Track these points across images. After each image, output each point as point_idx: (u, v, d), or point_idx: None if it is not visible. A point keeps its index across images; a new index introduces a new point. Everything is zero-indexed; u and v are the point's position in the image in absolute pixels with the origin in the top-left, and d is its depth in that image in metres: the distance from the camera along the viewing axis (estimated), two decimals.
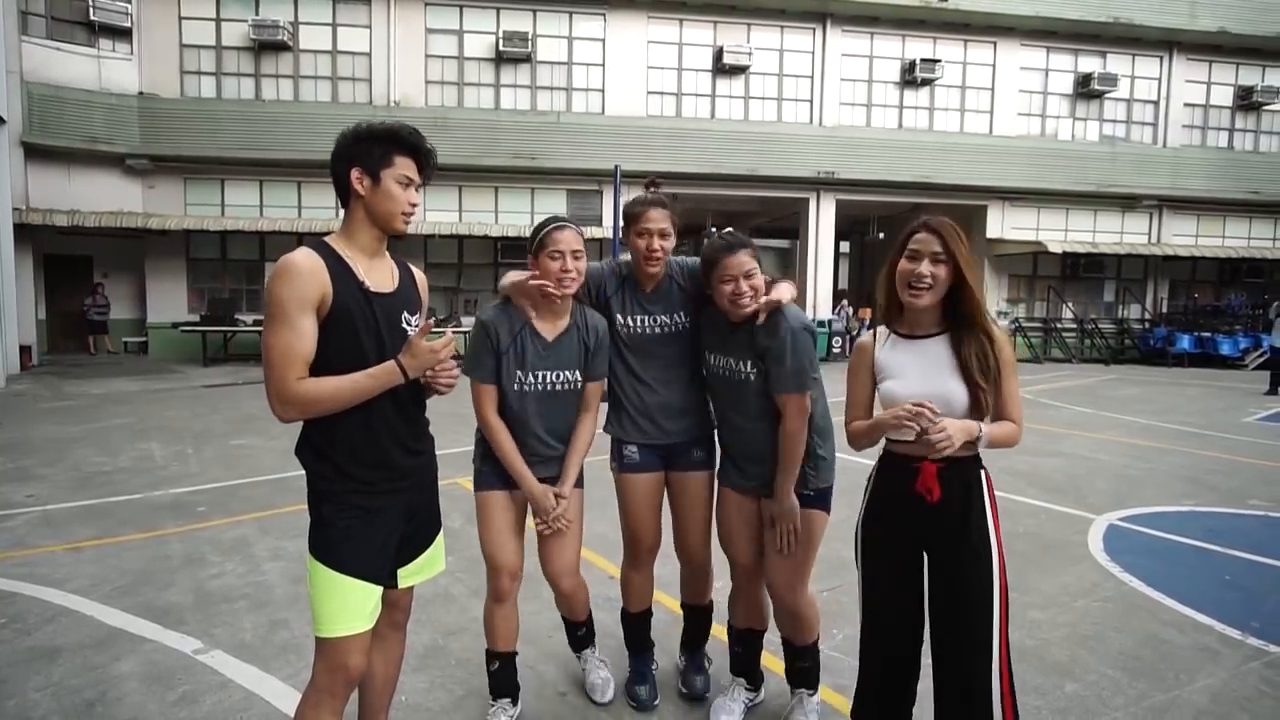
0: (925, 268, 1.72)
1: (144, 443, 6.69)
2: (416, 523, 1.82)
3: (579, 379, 2.21)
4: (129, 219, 13.72)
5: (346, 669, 1.63)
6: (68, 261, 14.84)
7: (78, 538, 4.08)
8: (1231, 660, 2.83)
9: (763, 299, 2.05)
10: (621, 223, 2.39)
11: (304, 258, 1.59)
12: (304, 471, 1.71)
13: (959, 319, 1.77)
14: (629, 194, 16.56)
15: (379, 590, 1.69)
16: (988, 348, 1.74)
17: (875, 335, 1.91)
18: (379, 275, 1.72)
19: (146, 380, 11.46)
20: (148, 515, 4.52)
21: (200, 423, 7.76)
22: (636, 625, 2.52)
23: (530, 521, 2.25)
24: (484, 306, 2.18)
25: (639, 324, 2.33)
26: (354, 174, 1.65)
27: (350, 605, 1.62)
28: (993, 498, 1.79)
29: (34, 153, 13.30)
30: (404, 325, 1.74)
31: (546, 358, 2.16)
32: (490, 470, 2.20)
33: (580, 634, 2.51)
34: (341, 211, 1.74)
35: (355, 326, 1.63)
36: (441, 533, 1.93)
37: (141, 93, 14.19)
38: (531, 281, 2.09)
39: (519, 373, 2.14)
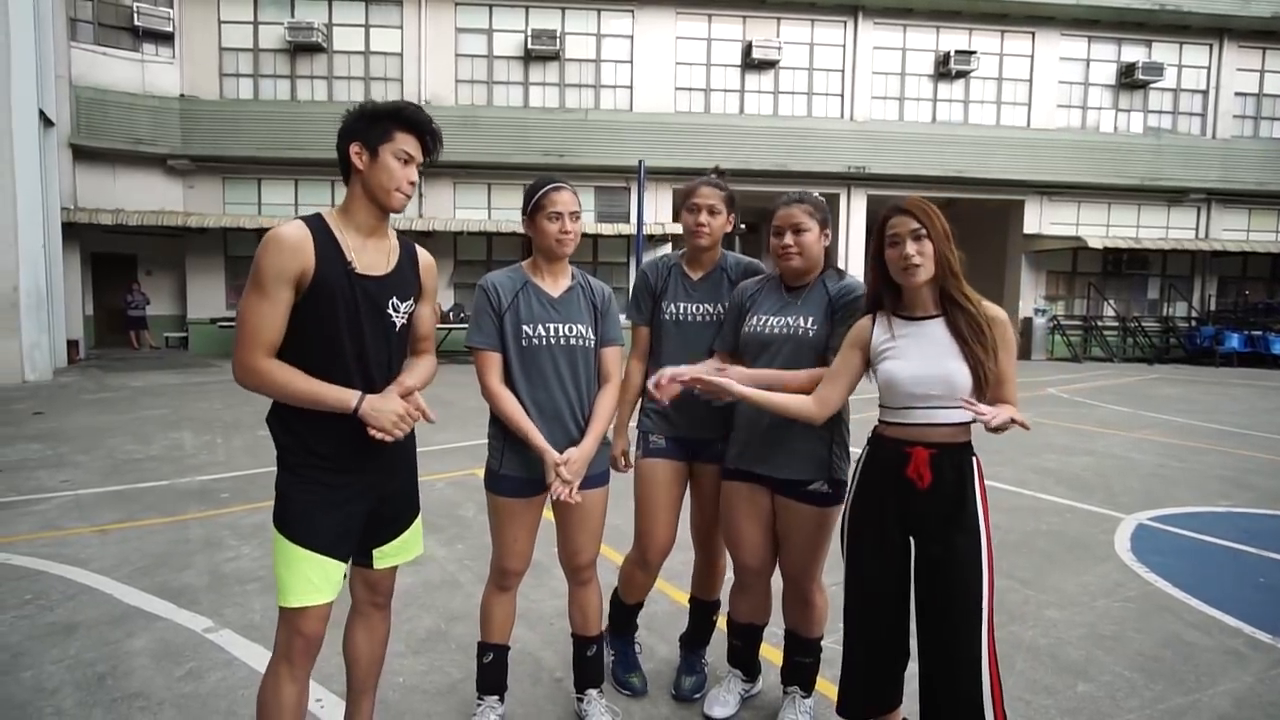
0: (910, 248, 1.73)
1: (176, 432, 6.89)
2: (391, 505, 1.80)
3: (592, 337, 2.11)
4: (170, 218, 14.15)
5: (304, 636, 1.65)
6: (113, 259, 15.37)
7: (105, 521, 4.21)
8: (1259, 664, 2.70)
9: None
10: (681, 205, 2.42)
11: (291, 230, 1.59)
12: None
13: (947, 298, 1.77)
14: (654, 189, 16.19)
15: (341, 566, 1.69)
16: (978, 318, 1.74)
17: (874, 319, 1.87)
18: (373, 255, 1.70)
19: (185, 374, 11.81)
20: (173, 501, 4.64)
21: (232, 414, 7.96)
22: (628, 612, 2.50)
23: (547, 512, 2.15)
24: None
25: (683, 311, 2.33)
26: (353, 149, 1.65)
27: (309, 578, 1.63)
28: (982, 484, 1.78)
29: (81, 154, 13.81)
30: (389, 310, 1.71)
31: (553, 312, 2.07)
32: (514, 476, 2.05)
33: (591, 654, 2.24)
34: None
35: (334, 305, 1.62)
36: (420, 517, 1.90)
37: (182, 95, 14.62)
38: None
39: (525, 327, 2.03)
